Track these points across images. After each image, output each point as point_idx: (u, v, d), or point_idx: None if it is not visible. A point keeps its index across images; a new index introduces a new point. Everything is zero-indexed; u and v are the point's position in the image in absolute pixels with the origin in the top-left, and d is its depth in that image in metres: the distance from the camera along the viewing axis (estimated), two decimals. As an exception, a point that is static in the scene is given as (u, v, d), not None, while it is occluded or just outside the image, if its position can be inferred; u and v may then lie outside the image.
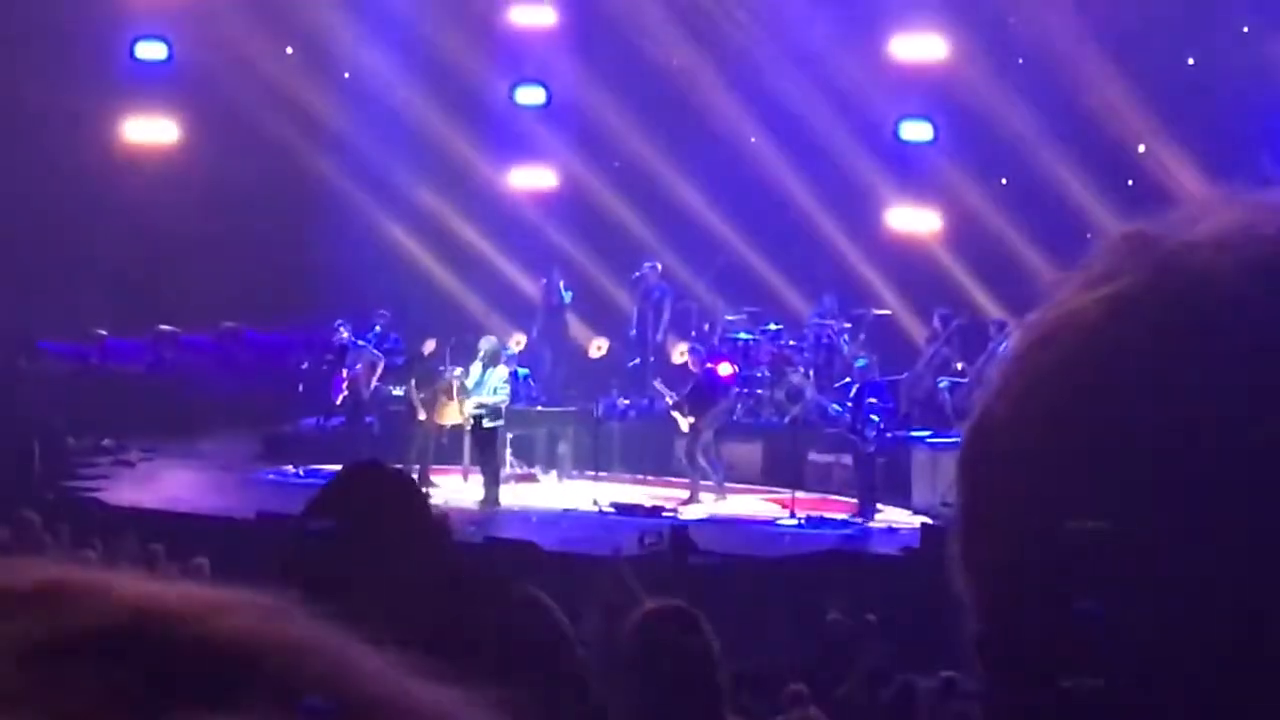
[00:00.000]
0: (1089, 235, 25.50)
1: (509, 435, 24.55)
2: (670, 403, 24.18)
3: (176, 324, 28.56)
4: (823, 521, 22.30)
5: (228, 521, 19.38)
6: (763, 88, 28.41)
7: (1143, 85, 26.36)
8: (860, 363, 23.62)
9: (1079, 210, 26.47)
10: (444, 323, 26.91)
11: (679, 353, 26.75)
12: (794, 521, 22.33)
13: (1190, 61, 26.96)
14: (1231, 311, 1.06)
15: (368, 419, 25.50)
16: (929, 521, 20.84)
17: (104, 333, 28.23)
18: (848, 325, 26.48)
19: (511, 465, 24.81)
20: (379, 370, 25.43)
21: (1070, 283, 1.13)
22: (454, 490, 23.87)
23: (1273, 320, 1.05)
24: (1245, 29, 26.81)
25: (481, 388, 23.75)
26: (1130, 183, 26.23)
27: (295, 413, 26.51)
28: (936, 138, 28.59)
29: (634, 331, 27.49)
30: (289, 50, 29.48)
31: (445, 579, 4.35)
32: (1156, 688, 1.03)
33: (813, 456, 24.08)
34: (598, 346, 28.34)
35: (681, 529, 20.03)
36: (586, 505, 23.27)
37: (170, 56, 29.92)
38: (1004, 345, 24.03)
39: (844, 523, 22.26)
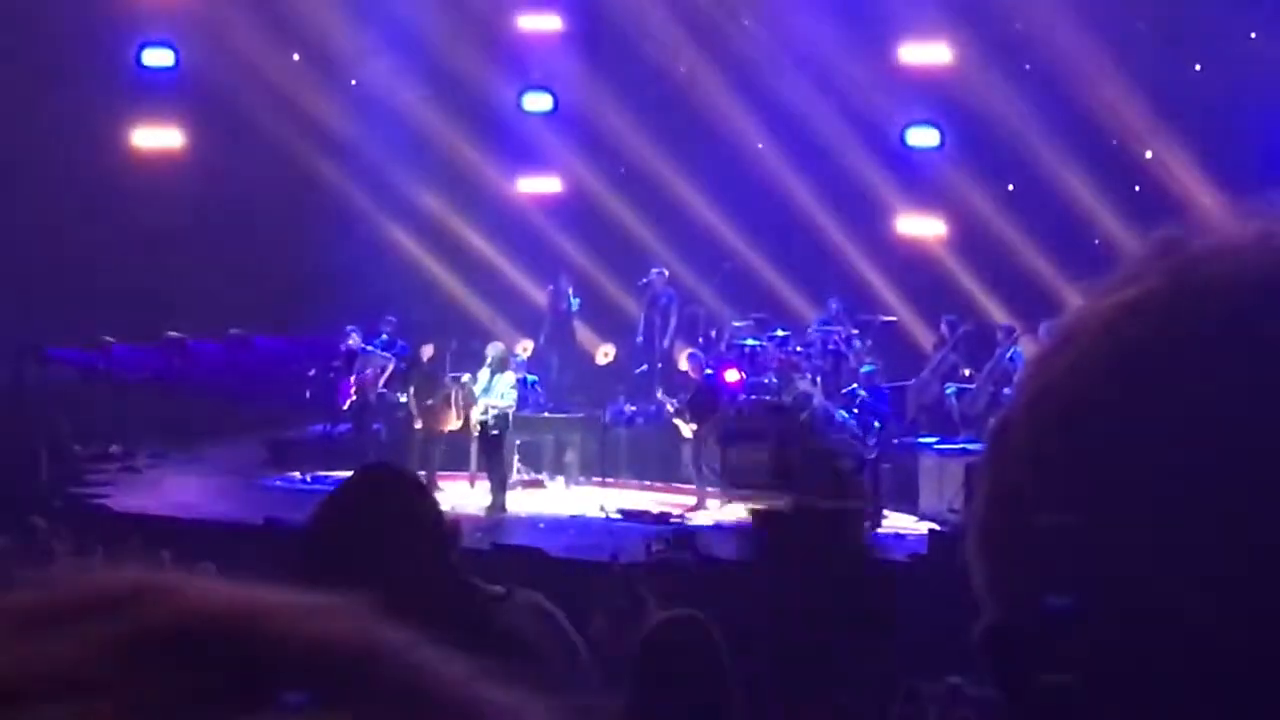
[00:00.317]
0: (1096, 241, 25.55)
1: (516, 441, 24.55)
2: (671, 410, 24.18)
3: (184, 330, 28.58)
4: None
5: (234, 528, 19.37)
6: (769, 94, 28.41)
7: (1149, 91, 26.35)
8: (866, 369, 23.61)
9: (1085, 216, 26.50)
10: (451, 329, 26.93)
11: (683, 360, 26.76)
12: (801, 528, 22.30)
13: (1197, 68, 26.95)
14: (1240, 323, 1.06)
15: (375, 425, 25.50)
16: (936, 528, 20.83)
17: (111, 339, 28.25)
18: (855, 331, 26.46)
19: (518, 471, 24.81)
20: (387, 374, 25.44)
21: (1100, 286, 1.14)
22: (461, 496, 23.87)
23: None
24: (1253, 35, 26.80)
25: (489, 394, 23.76)
26: (1137, 189, 26.23)
27: (302, 419, 26.51)
28: (943, 144, 28.59)
29: (640, 338, 27.48)
30: (295, 57, 29.50)
31: (451, 583, 4.35)
32: (1167, 688, 1.03)
33: (820, 463, 24.05)
34: (605, 353, 28.34)
35: (687, 534, 20.02)
36: (593, 511, 23.27)
37: (177, 63, 29.95)
38: (1012, 351, 24.15)
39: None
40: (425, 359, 25.30)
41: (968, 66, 27.77)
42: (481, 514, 22.73)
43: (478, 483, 24.08)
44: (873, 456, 22.49)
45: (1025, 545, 1.09)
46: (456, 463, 24.55)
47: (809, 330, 26.50)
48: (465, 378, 24.52)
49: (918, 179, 28.50)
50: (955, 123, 28.23)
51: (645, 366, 27.16)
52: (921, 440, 24.23)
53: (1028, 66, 27.40)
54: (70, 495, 22.74)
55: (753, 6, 29.07)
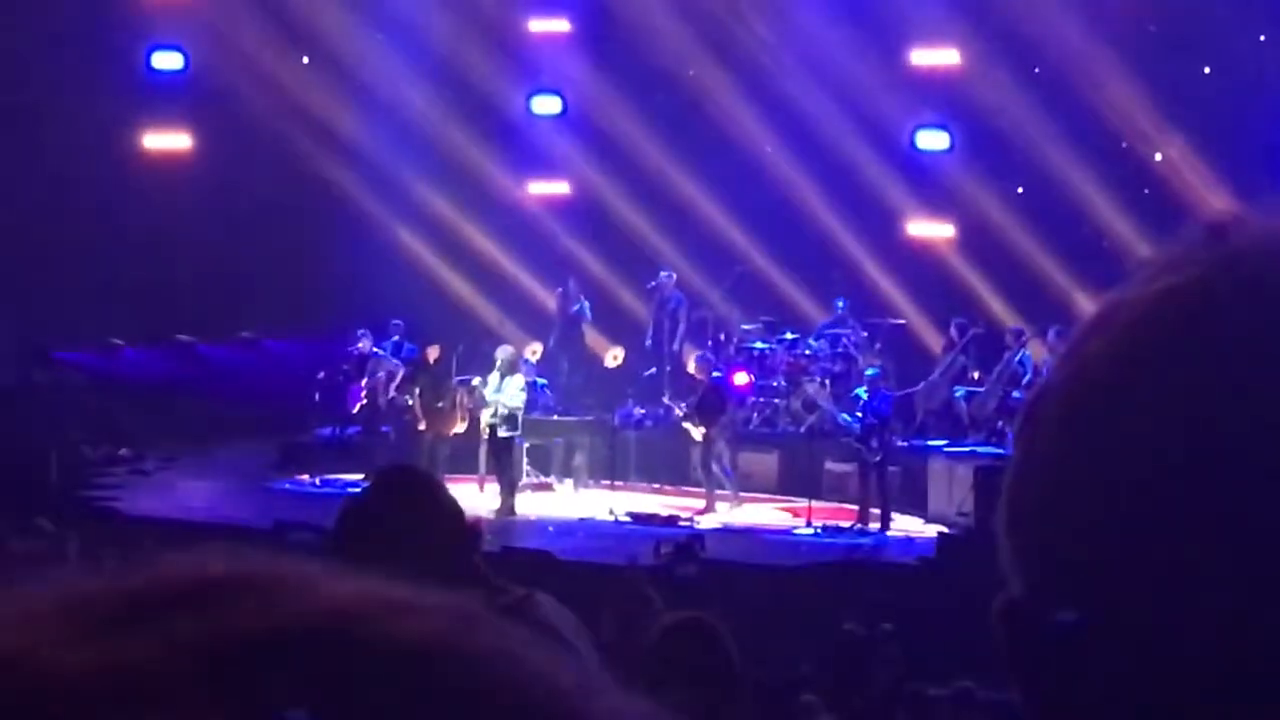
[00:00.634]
0: (1105, 244, 25.55)
1: (525, 445, 24.56)
2: (680, 414, 24.18)
3: (193, 334, 28.62)
4: (839, 531, 22.29)
5: (244, 531, 19.39)
6: (778, 97, 28.39)
7: (1158, 94, 26.33)
8: (870, 371, 23.60)
9: (1095, 219, 26.48)
10: (460, 332, 26.92)
11: (691, 363, 26.76)
12: (810, 531, 22.32)
13: (1206, 70, 26.92)
14: (1268, 323, 1.06)
15: (384, 428, 25.51)
16: (945, 531, 20.83)
17: (121, 342, 28.29)
18: (864, 334, 26.45)
19: (528, 474, 24.82)
20: (397, 379, 25.46)
21: (1141, 271, 1.14)
22: (470, 499, 23.87)
23: None
24: (1261, 38, 26.78)
25: (499, 397, 23.74)
26: (1146, 191, 26.22)
27: (312, 422, 26.53)
28: (953, 147, 28.56)
29: (649, 341, 27.48)
30: (305, 60, 29.51)
31: (478, 585, 4.36)
32: (1189, 676, 1.04)
33: (829, 466, 24.04)
34: (614, 356, 28.33)
35: (694, 539, 20.04)
36: (603, 515, 23.28)
37: (187, 66, 29.98)
38: (1021, 354, 24.15)
39: (860, 532, 22.24)
40: (431, 361, 25.29)
41: (977, 69, 27.75)
42: (491, 517, 22.73)
43: (487, 486, 24.08)
44: (877, 460, 22.46)
45: (1050, 524, 1.09)
46: (466, 466, 24.54)
47: (813, 339, 26.46)
48: (476, 381, 24.53)
49: (927, 182, 28.47)
50: (965, 125, 28.21)
51: (654, 369, 27.15)
52: (930, 443, 24.23)
53: (1037, 69, 27.37)
54: (80, 498, 22.77)
55: (761, 10, 29.05)
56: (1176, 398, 1.05)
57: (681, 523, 22.53)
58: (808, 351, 26.08)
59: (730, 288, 27.97)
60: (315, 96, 29.16)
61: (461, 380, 25.04)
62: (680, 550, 19.42)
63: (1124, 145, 27.15)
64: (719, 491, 23.55)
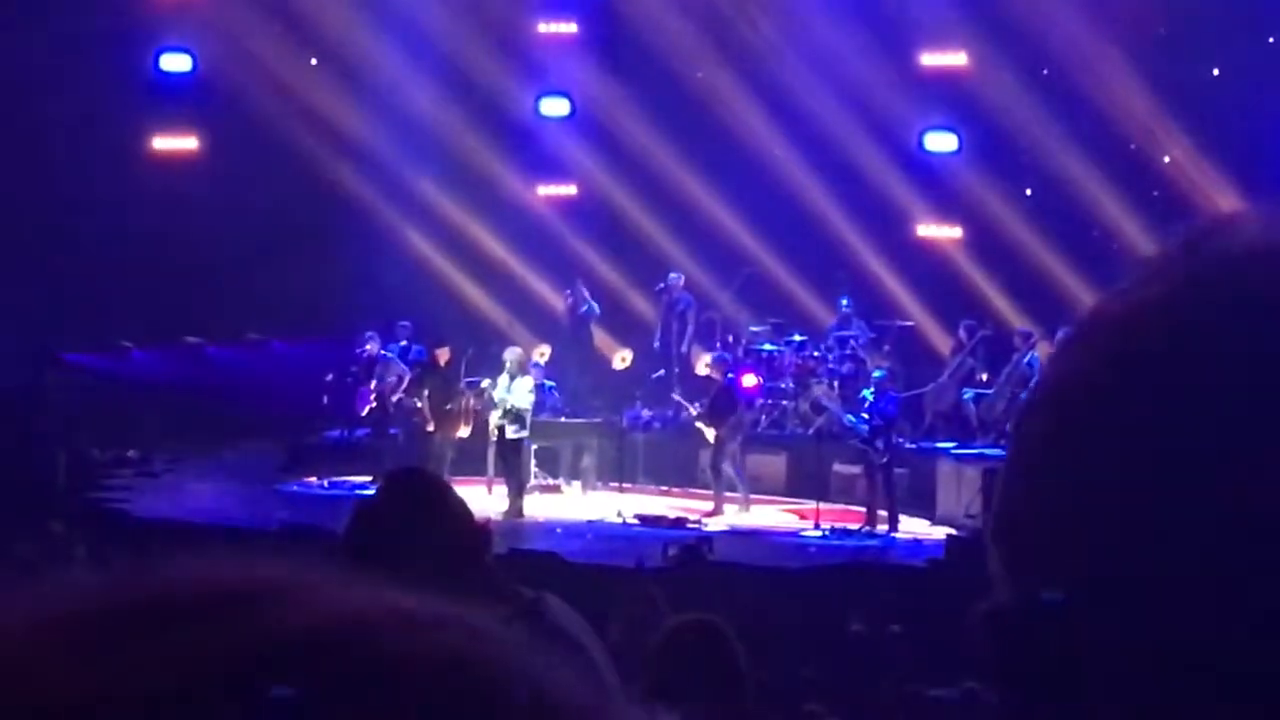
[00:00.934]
0: (1114, 246, 25.52)
1: (533, 447, 24.55)
2: (694, 413, 24.16)
3: (201, 335, 28.64)
4: (847, 533, 22.27)
5: (253, 532, 19.39)
6: (786, 99, 28.38)
7: (1168, 96, 26.31)
8: (877, 373, 23.58)
9: (1104, 221, 26.46)
10: (468, 334, 26.91)
11: (704, 364, 26.74)
12: (818, 533, 22.31)
13: (1215, 72, 26.90)
14: (1245, 334, 1.07)
15: (392, 430, 25.51)
16: (953, 533, 20.81)
17: (129, 344, 28.31)
18: (871, 335, 26.44)
19: (536, 476, 24.81)
20: (405, 382, 25.45)
21: (1120, 284, 1.16)
22: (478, 502, 23.87)
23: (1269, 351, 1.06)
24: (1271, 39, 26.78)
25: (507, 399, 23.73)
26: (1155, 193, 26.21)
27: (320, 424, 26.54)
28: (961, 149, 28.56)
29: (658, 343, 27.47)
30: (313, 62, 29.52)
31: (489, 587, 4.36)
32: (1169, 680, 1.05)
33: (837, 468, 24.03)
34: (622, 358, 28.33)
35: (702, 541, 20.03)
36: (610, 517, 23.26)
37: (195, 68, 29.99)
38: (1029, 356, 24.12)
39: (868, 534, 22.22)
40: (441, 363, 25.29)
41: (985, 71, 27.74)
42: (499, 519, 22.73)
43: (495, 488, 24.08)
44: (884, 461, 22.46)
45: (1036, 533, 1.11)
46: (474, 468, 24.55)
47: (825, 336, 26.47)
48: (485, 383, 24.53)
49: (935, 184, 28.47)
50: (973, 128, 28.20)
51: (663, 371, 27.15)
52: (938, 445, 24.22)
53: (1045, 71, 27.36)
54: (88, 500, 22.78)
55: (769, 11, 29.05)
56: (1146, 410, 1.07)
57: (689, 525, 22.52)
58: (816, 354, 26.07)
59: (738, 289, 27.98)
60: (323, 98, 29.17)
61: (470, 382, 25.04)
62: (688, 552, 19.42)
63: (1132, 147, 27.13)
64: (728, 494, 23.54)
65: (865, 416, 22.88)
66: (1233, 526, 1.03)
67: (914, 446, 24.04)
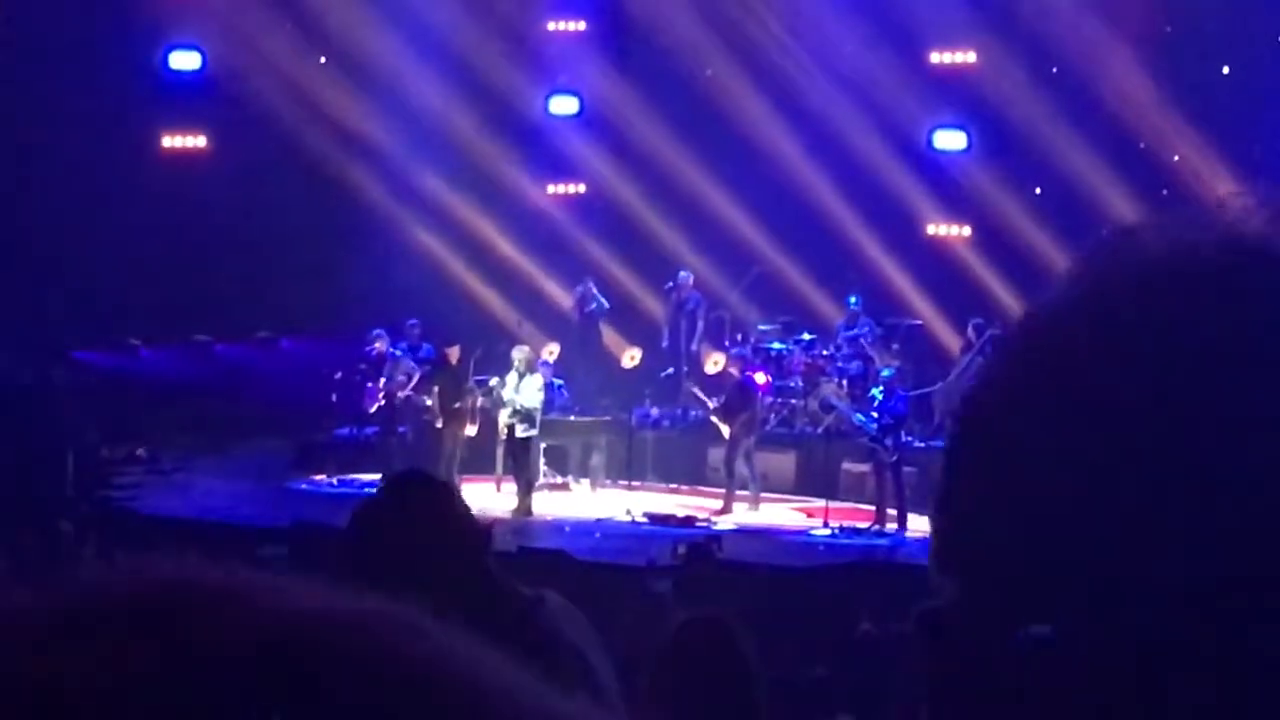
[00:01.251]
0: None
1: (543, 445, 24.56)
2: (711, 406, 24.16)
3: (210, 333, 28.65)
4: (856, 532, 22.27)
5: (262, 530, 19.39)
6: (795, 97, 28.39)
7: (1177, 94, 26.30)
8: (886, 372, 23.58)
9: (1113, 219, 26.38)
10: (477, 332, 26.90)
11: (713, 362, 26.74)
12: (827, 531, 22.31)
13: (1225, 70, 26.87)
14: (1136, 340, 1.09)
15: (401, 428, 25.52)
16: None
17: (138, 342, 28.33)
18: (880, 333, 26.44)
19: (545, 475, 24.81)
20: (414, 380, 25.44)
21: (1040, 294, 1.18)
22: (487, 499, 23.88)
23: (1172, 354, 1.08)
24: (1280, 38, 26.77)
25: (516, 397, 23.74)
26: (1165, 192, 26.17)
27: (329, 422, 26.55)
28: (970, 147, 28.55)
29: (666, 341, 27.47)
30: (322, 60, 29.53)
31: (488, 587, 4.36)
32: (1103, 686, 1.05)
33: (846, 466, 24.04)
34: (631, 356, 28.33)
35: (711, 540, 20.02)
36: (620, 515, 23.28)
37: (204, 66, 30.00)
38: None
39: (877, 533, 22.22)
40: (451, 362, 25.29)
41: (995, 70, 27.73)
42: (508, 517, 22.75)
43: (504, 486, 24.09)
44: (893, 460, 22.45)
45: (967, 534, 1.13)
46: (483, 466, 24.57)
47: (835, 335, 26.47)
48: (493, 381, 24.53)
49: (945, 182, 28.47)
50: (983, 126, 28.20)
51: (671, 370, 27.15)
52: (948, 443, 24.19)
53: (1055, 70, 27.35)
54: (97, 498, 22.78)
55: (778, 10, 29.04)
56: (1055, 412, 1.09)
57: (699, 523, 22.52)
58: (825, 352, 26.07)
59: (746, 288, 27.97)
60: (332, 96, 29.18)
61: (479, 381, 25.04)
62: (697, 551, 19.40)
63: (1142, 146, 27.12)
64: (740, 492, 23.54)
65: (874, 415, 22.89)
66: (1146, 520, 1.05)
67: (923, 445, 24.02)
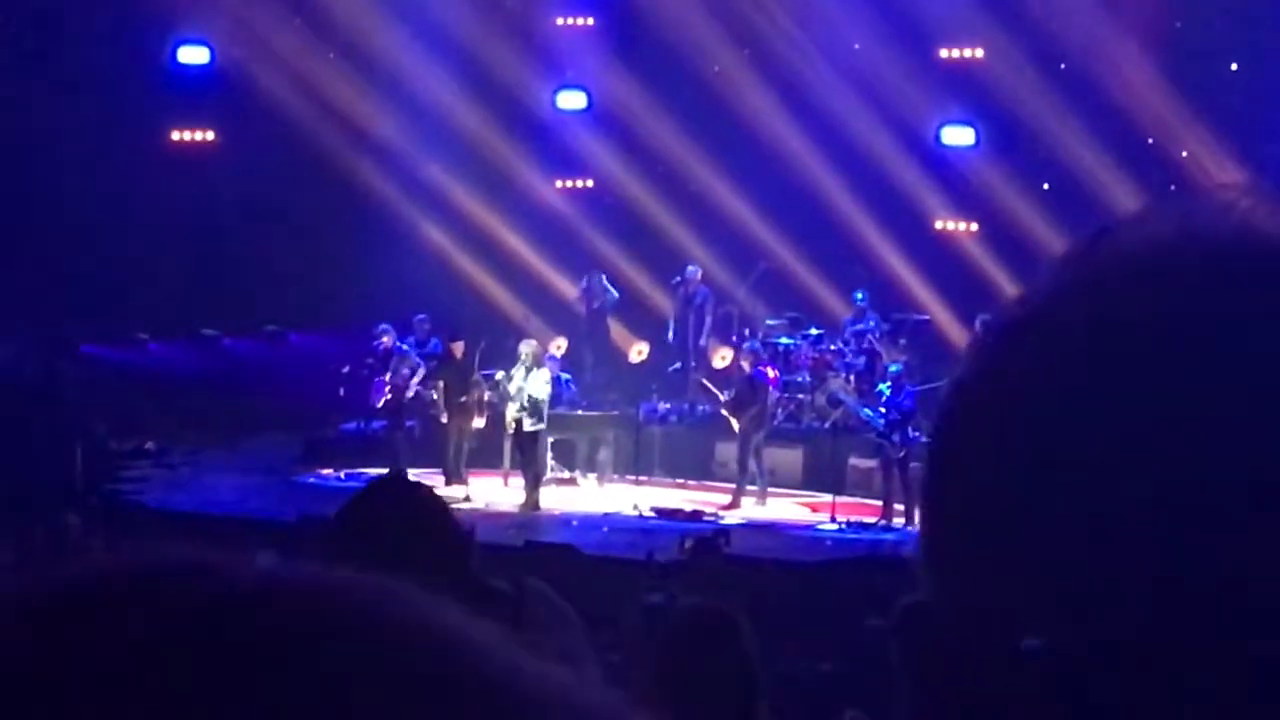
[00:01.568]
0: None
1: (550, 439, 24.56)
2: (723, 400, 24.17)
3: (218, 327, 28.66)
4: (863, 527, 22.28)
5: (269, 524, 19.41)
6: (803, 92, 28.37)
7: (1185, 90, 26.28)
8: (894, 367, 23.58)
9: (1120, 215, 26.34)
10: (485, 327, 26.90)
11: (720, 357, 26.74)
12: (834, 526, 22.31)
13: (1234, 67, 26.85)
14: (1121, 334, 1.08)
15: (409, 423, 25.52)
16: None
17: (146, 336, 28.35)
18: (887, 328, 26.44)
19: (552, 469, 24.82)
20: (419, 375, 25.45)
21: (1016, 295, 1.17)
22: (494, 494, 23.91)
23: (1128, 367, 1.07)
24: (1288, 34, 26.72)
25: (524, 391, 23.74)
26: (1173, 188, 26.15)
27: (336, 416, 26.56)
28: (978, 143, 28.54)
29: (672, 335, 27.45)
30: (330, 55, 29.53)
31: (465, 593, 4.34)
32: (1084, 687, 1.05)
33: (853, 461, 24.05)
34: (638, 351, 28.33)
35: (718, 534, 20.03)
36: (627, 510, 23.27)
37: (212, 61, 30.02)
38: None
39: (885, 528, 22.22)
40: (457, 356, 25.30)
41: (1003, 66, 27.71)
42: (515, 511, 22.77)
43: (511, 480, 24.10)
44: (901, 455, 22.45)
45: (949, 531, 1.14)
46: (490, 460, 24.58)
47: (842, 331, 26.47)
48: (499, 375, 24.54)
49: (953, 178, 28.45)
50: (991, 122, 28.19)
51: (679, 365, 27.15)
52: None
53: (1063, 66, 27.33)
54: (105, 492, 22.82)
55: (787, 4, 29.03)
56: (1036, 407, 1.08)
57: (706, 518, 22.53)
58: (833, 347, 26.07)
59: (753, 284, 27.96)
60: (340, 91, 29.19)
61: (485, 375, 25.04)
62: (704, 545, 19.41)
63: (1149, 142, 27.10)
64: (749, 487, 23.55)
65: (882, 410, 22.89)
66: (1156, 533, 1.03)
67: (929, 441, 24.02)
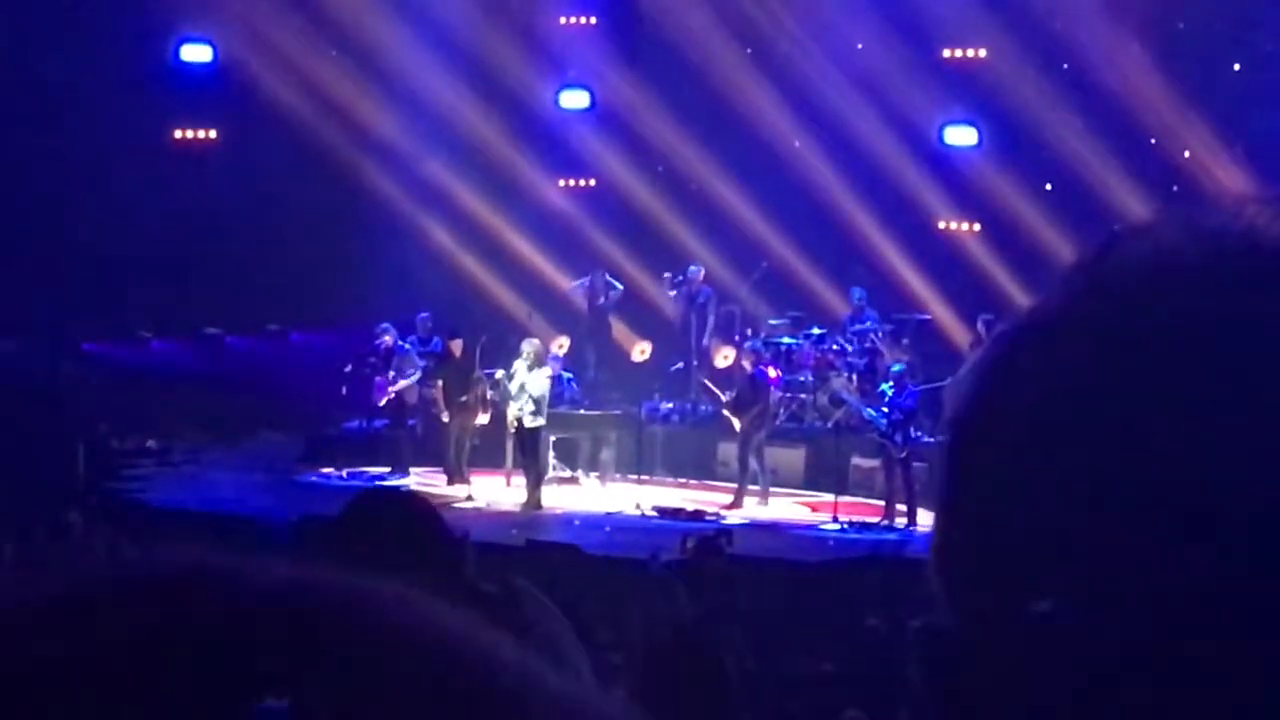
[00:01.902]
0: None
1: (552, 438, 24.56)
2: (724, 399, 24.17)
3: (220, 326, 28.67)
4: (865, 527, 22.28)
5: (271, 523, 19.41)
6: (806, 92, 28.38)
7: (1188, 91, 26.28)
8: (897, 367, 23.59)
9: (1123, 216, 26.40)
10: (487, 326, 26.90)
11: (723, 356, 26.72)
12: (836, 526, 22.31)
13: (1236, 68, 26.84)
14: (1134, 342, 1.08)
15: (410, 421, 25.53)
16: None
17: (148, 334, 28.35)
18: (888, 327, 26.44)
19: (554, 468, 24.82)
20: (416, 375, 25.43)
21: (1028, 301, 1.18)
22: (496, 493, 23.91)
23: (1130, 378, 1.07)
24: (1292, 35, 26.73)
25: (525, 390, 23.74)
26: (1175, 188, 26.16)
27: (338, 415, 26.57)
28: (981, 143, 28.54)
29: (678, 322, 27.41)
30: (333, 53, 29.53)
31: (461, 594, 4.33)
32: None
33: (856, 461, 24.04)
34: (641, 350, 28.33)
35: (720, 534, 20.02)
36: (629, 509, 23.27)
37: (215, 59, 30.02)
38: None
39: (887, 528, 22.22)
40: (456, 354, 25.31)
41: (1006, 66, 27.71)
42: (517, 510, 22.77)
43: (513, 479, 24.10)
44: (903, 455, 22.45)
45: (968, 553, 1.12)
46: (492, 459, 24.58)
47: (844, 330, 26.47)
48: (500, 374, 24.54)
49: (955, 178, 28.45)
50: (993, 122, 28.19)
51: (681, 364, 27.15)
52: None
53: (1065, 66, 27.34)
54: (107, 490, 22.83)
55: (789, 4, 29.03)
56: (1054, 422, 1.08)
57: (708, 517, 22.53)
58: (835, 347, 26.07)
59: (755, 283, 27.96)
60: (343, 90, 29.19)
61: (486, 373, 25.05)
62: (706, 545, 19.40)
63: (1152, 142, 27.10)
64: (751, 487, 23.54)
65: (884, 410, 22.89)
66: (1166, 537, 1.03)
67: (933, 440, 23.99)
